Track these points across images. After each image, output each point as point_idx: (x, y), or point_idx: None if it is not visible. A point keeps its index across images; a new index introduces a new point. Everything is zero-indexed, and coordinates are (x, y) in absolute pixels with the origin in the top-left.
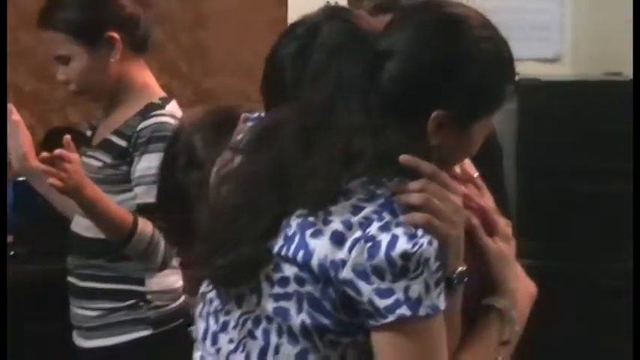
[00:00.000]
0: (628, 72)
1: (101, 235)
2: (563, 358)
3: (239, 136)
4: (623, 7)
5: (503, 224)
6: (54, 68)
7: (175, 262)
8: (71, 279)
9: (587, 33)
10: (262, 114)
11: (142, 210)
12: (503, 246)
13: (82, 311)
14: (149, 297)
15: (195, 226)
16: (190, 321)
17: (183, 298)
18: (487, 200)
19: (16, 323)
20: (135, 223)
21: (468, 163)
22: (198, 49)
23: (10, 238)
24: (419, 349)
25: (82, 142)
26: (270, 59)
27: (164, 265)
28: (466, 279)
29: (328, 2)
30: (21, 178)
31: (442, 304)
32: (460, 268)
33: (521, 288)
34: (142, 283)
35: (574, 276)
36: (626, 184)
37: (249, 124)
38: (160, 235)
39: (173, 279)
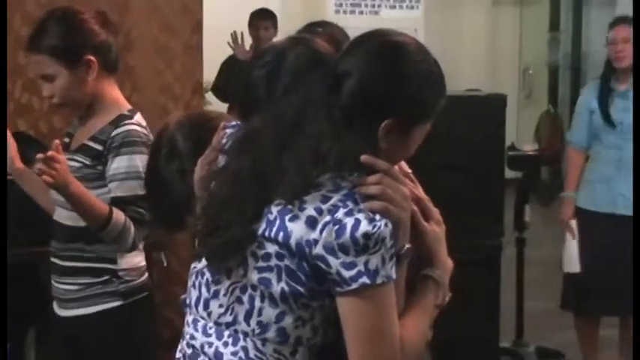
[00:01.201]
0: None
1: (79, 223)
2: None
3: (222, 141)
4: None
5: (435, 211)
6: (41, 84)
7: (141, 245)
8: (54, 259)
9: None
10: (239, 123)
11: (115, 202)
12: (436, 228)
13: (62, 286)
14: (120, 274)
15: (174, 203)
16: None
17: (146, 275)
18: (420, 191)
19: None
20: (110, 213)
21: (403, 163)
22: (127, 69)
23: None
24: (375, 309)
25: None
26: (245, 80)
27: (133, 247)
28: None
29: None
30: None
31: (394, 274)
32: (407, 246)
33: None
34: (114, 262)
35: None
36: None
37: (229, 130)
38: (130, 223)
39: (139, 259)
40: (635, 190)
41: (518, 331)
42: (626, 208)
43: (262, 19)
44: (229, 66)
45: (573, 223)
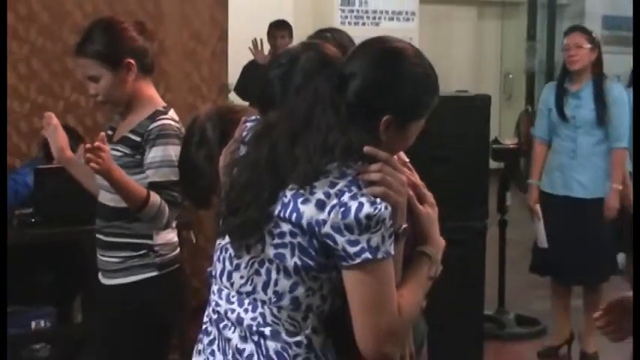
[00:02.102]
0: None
1: (121, 204)
2: None
3: (243, 133)
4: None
5: (429, 195)
6: (87, 85)
7: (174, 223)
8: (99, 235)
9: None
10: (258, 117)
11: (152, 186)
12: (430, 211)
13: (106, 258)
14: (156, 248)
15: (203, 185)
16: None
17: (178, 250)
18: (416, 178)
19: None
20: (147, 196)
21: (401, 153)
22: (161, 72)
23: (30, 210)
24: (376, 281)
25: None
26: (262, 80)
27: (167, 226)
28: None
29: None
30: (44, 166)
31: (393, 250)
32: (404, 225)
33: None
34: (150, 238)
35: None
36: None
37: (249, 124)
38: (165, 205)
39: (172, 235)
40: (635, 190)
41: (500, 301)
42: (580, 192)
43: (279, 28)
44: (249, 69)
45: (537, 206)
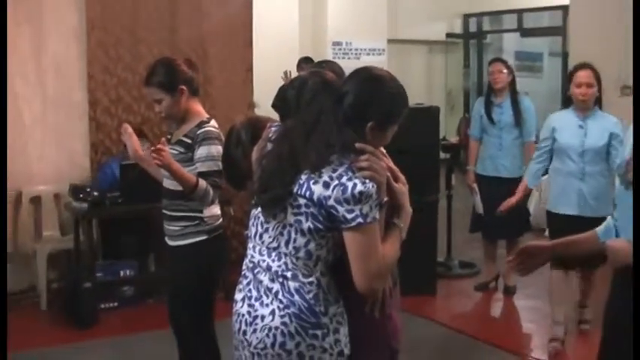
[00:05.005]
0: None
1: (178, 188)
2: None
3: (269, 135)
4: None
5: (402, 177)
6: (154, 105)
7: (217, 201)
8: (164, 211)
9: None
10: (279, 124)
11: (200, 175)
12: (403, 187)
13: (169, 227)
14: (205, 219)
15: (240, 173)
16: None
17: (221, 219)
18: (392, 164)
19: (119, 237)
20: (197, 182)
21: (381, 148)
22: (207, 95)
23: (117, 193)
24: (367, 238)
25: (141, 133)
26: (283, 97)
27: (212, 203)
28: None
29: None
30: (127, 162)
31: (378, 216)
32: (385, 199)
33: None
34: (201, 212)
35: None
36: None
37: (273, 128)
38: (210, 188)
39: (216, 209)
40: (635, 189)
41: (448, 251)
42: (505, 172)
43: (306, 63)
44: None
45: (475, 184)
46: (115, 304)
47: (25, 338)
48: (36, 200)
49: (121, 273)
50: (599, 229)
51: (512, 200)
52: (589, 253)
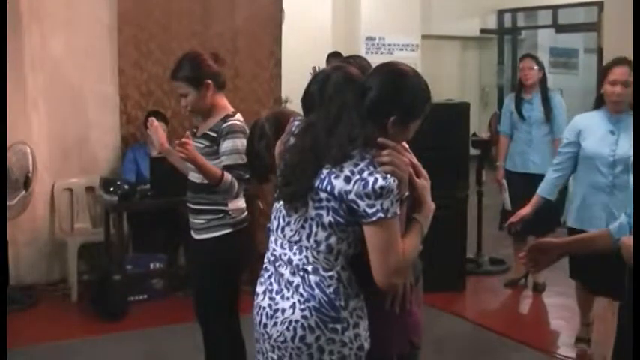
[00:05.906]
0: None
1: (204, 181)
2: None
3: (292, 129)
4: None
5: (424, 172)
6: (181, 99)
7: (241, 194)
8: (189, 204)
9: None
10: (303, 117)
11: (225, 168)
12: (425, 183)
13: (194, 220)
14: (230, 212)
15: (263, 166)
16: (248, 225)
17: (246, 213)
18: (414, 160)
19: (152, 228)
20: (222, 175)
21: (404, 143)
22: (235, 89)
23: (148, 186)
24: (387, 233)
25: (161, 118)
26: (307, 91)
27: (236, 196)
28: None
29: (315, 67)
30: (156, 156)
31: (398, 211)
32: (406, 194)
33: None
34: (226, 205)
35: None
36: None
37: (296, 122)
38: (235, 181)
39: (241, 202)
40: (635, 189)
41: (478, 247)
42: (534, 169)
43: (335, 57)
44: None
45: (504, 181)
46: (145, 296)
47: (55, 329)
48: (69, 193)
49: (151, 266)
50: (613, 226)
51: (522, 213)
52: (602, 251)
